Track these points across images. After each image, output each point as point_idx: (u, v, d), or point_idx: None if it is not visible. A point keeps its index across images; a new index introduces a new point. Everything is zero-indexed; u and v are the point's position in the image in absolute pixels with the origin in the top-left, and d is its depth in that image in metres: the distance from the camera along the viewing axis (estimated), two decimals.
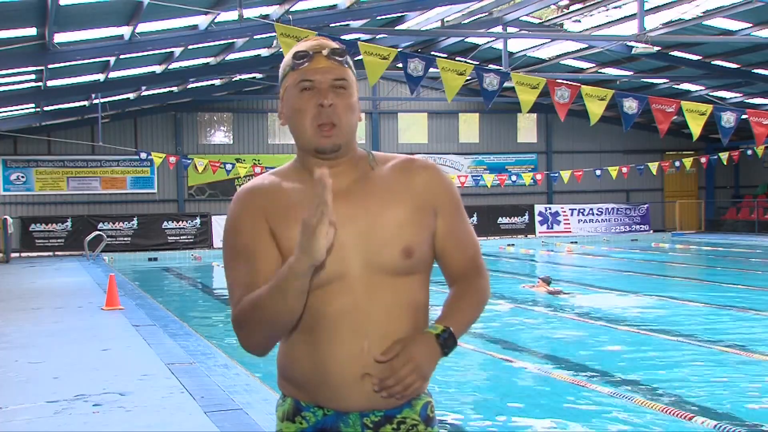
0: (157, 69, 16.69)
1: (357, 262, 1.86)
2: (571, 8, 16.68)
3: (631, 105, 11.06)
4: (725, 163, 24.41)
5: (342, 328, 1.86)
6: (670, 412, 5.84)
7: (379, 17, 15.34)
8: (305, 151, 1.92)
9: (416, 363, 1.81)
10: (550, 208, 26.60)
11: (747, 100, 24.10)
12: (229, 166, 21.70)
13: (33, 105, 19.15)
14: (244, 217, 1.91)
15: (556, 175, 25.06)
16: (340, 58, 1.89)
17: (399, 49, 12.62)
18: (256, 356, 1.90)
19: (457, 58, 18.25)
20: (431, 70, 10.68)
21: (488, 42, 19.36)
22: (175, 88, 20.83)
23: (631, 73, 21.52)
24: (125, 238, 22.23)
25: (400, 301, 1.89)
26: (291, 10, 12.93)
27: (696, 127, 10.99)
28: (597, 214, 26.80)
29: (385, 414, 1.91)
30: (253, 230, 1.87)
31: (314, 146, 1.87)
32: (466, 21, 16.82)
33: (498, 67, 16.70)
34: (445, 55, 19.93)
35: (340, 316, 1.86)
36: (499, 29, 16.87)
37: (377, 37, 16.66)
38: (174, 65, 16.65)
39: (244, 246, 1.88)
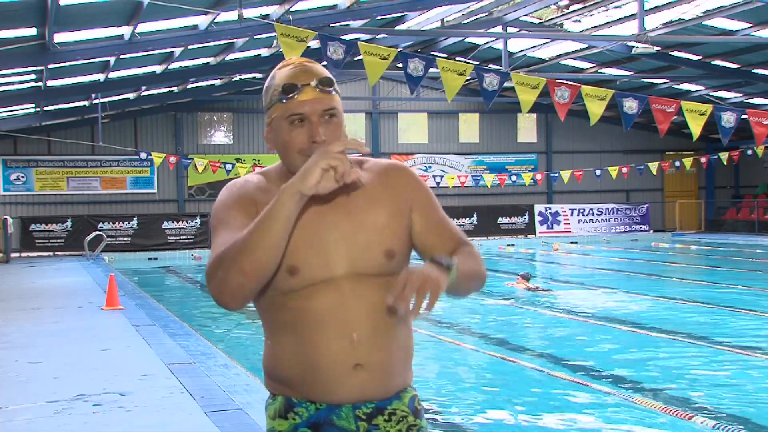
0: (157, 69, 16.69)
1: (342, 264, 1.90)
2: (571, 8, 16.68)
3: (631, 105, 11.07)
4: (725, 163, 24.41)
5: (330, 323, 1.89)
6: (670, 412, 5.84)
7: (379, 17, 15.34)
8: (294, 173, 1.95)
9: (425, 272, 1.75)
10: (550, 208, 26.60)
11: (747, 100, 24.10)
12: (229, 166, 21.70)
13: (33, 105, 19.15)
14: (237, 199, 1.95)
15: (556, 175, 25.06)
16: (328, 89, 1.90)
17: (399, 49, 12.62)
18: (227, 308, 1.84)
19: (457, 58, 18.25)
20: (431, 70, 10.70)
21: (488, 42, 19.36)
22: (175, 88, 20.83)
23: (631, 73, 21.52)
24: (125, 238, 22.22)
25: (385, 296, 1.91)
26: (291, 10, 12.93)
27: (696, 127, 11.00)
28: (597, 214, 26.79)
29: (376, 405, 1.94)
30: (245, 209, 1.91)
31: None
32: (466, 21, 16.83)
33: (498, 67, 16.69)
34: (445, 55, 19.93)
35: (328, 313, 1.89)
36: (499, 29, 16.87)
37: (377, 37, 16.65)
38: (174, 65, 16.65)
39: (232, 219, 1.90)
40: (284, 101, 1.89)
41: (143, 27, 12.45)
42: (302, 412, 1.94)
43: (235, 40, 14.77)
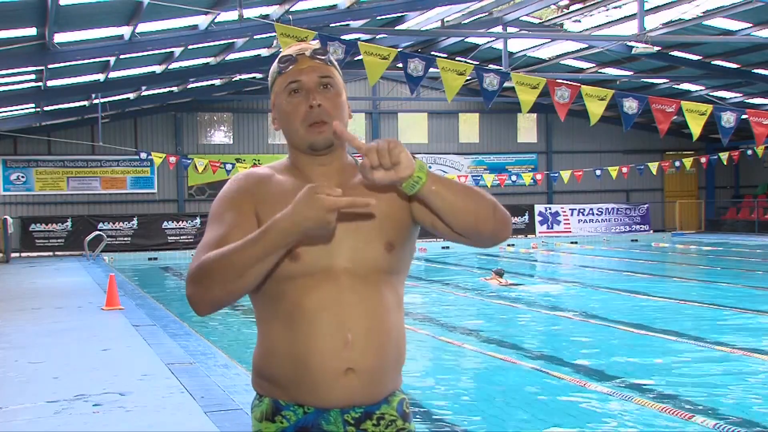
0: (157, 69, 16.69)
1: (343, 254, 1.90)
2: (571, 8, 16.68)
3: (631, 105, 11.06)
4: (725, 163, 24.41)
5: (324, 321, 1.87)
6: (670, 412, 5.84)
7: (379, 17, 15.34)
8: (298, 150, 2.00)
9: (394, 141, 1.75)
10: (550, 208, 26.60)
11: (747, 100, 24.10)
12: (229, 166, 21.69)
13: (33, 105, 19.15)
14: (235, 194, 1.97)
15: (556, 175, 25.06)
16: (322, 57, 1.98)
17: (399, 49, 12.62)
18: (199, 314, 1.87)
19: (457, 58, 18.24)
20: (431, 70, 10.69)
21: (488, 42, 19.36)
22: (175, 88, 20.82)
23: (631, 73, 21.52)
24: (125, 238, 22.23)
25: (382, 296, 1.93)
26: (291, 10, 12.93)
27: (696, 127, 10.99)
28: (597, 214, 26.80)
29: (365, 410, 1.93)
30: (240, 206, 1.93)
31: (308, 143, 1.95)
32: (466, 21, 16.83)
33: (498, 67, 16.70)
34: (445, 55, 19.92)
35: (323, 309, 1.88)
36: (499, 29, 16.87)
37: (377, 37, 16.66)
38: (174, 65, 16.65)
39: (225, 215, 1.93)
40: (282, 73, 1.97)
41: (143, 27, 12.45)
42: (290, 415, 1.93)
43: (235, 40, 14.77)
